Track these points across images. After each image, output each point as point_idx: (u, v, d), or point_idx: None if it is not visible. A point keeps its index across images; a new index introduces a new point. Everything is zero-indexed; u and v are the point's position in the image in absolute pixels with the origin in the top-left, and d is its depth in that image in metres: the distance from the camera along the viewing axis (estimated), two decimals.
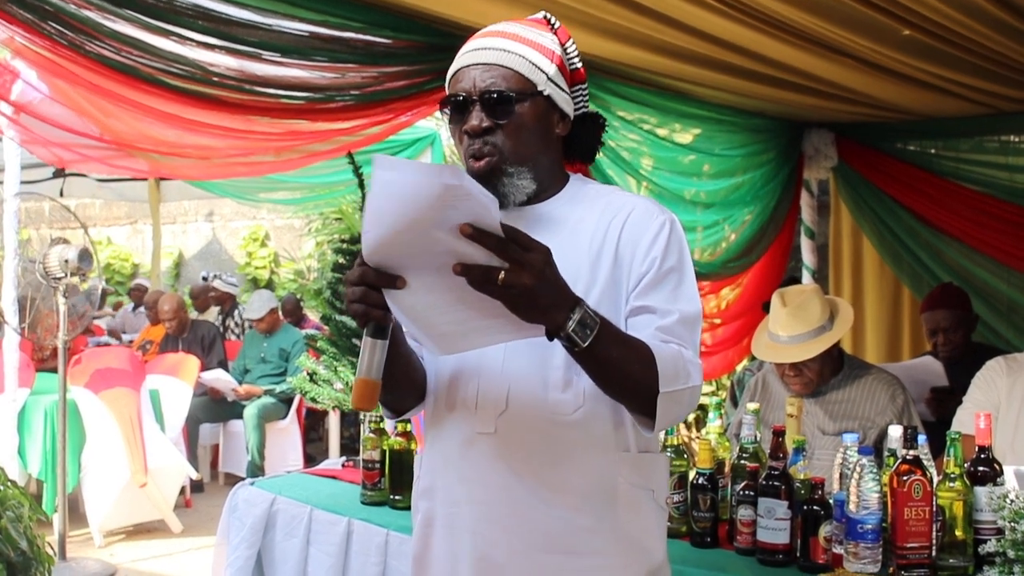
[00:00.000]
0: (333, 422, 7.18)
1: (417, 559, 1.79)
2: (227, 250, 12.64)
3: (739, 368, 5.46)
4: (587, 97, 1.80)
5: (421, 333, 1.56)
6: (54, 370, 5.21)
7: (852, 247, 6.04)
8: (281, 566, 2.90)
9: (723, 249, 5.65)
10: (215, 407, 7.09)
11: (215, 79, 3.35)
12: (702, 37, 3.67)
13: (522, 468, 1.65)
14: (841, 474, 2.38)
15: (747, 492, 2.40)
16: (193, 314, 8.51)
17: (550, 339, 1.47)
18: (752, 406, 2.73)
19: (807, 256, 6.12)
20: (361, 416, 3.25)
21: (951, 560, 2.16)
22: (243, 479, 3.35)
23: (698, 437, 2.99)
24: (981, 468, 2.20)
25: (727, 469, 2.60)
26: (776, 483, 2.32)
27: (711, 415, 2.87)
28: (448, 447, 1.72)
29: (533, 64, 1.67)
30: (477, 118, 1.65)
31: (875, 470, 2.16)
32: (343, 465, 3.33)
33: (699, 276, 1.73)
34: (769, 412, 3.29)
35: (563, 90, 1.72)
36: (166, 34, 3.18)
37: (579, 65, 1.77)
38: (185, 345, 7.30)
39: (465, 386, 1.69)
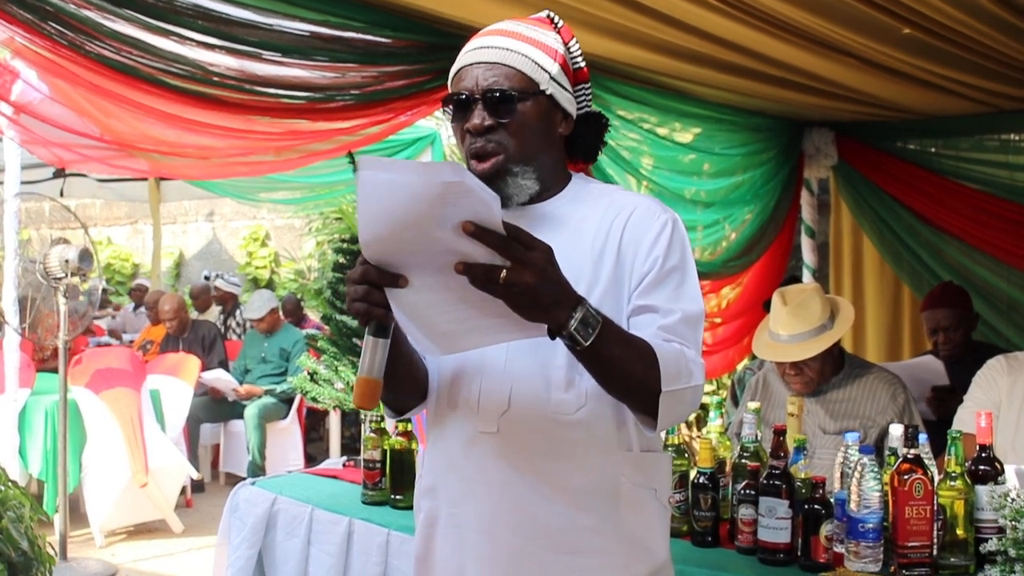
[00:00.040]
0: (334, 422, 7.18)
1: (420, 558, 1.79)
2: (227, 250, 12.64)
3: (740, 367, 5.46)
4: (590, 96, 1.80)
5: (421, 333, 1.56)
6: (55, 370, 5.21)
7: (852, 246, 6.04)
8: (282, 566, 2.90)
9: (723, 248, 5.65)
10: (216, 407, 7.09)
11: (215, 79, 3.35)
12: (702, 36, 3.67)
13: (524, 467, 1.65)
14: (842, 473, 2.38)
15: (748, 491, 2.40)
16: (193, 314, 8.51)
17: (552, 338, 1.47)
18: (753, 405, 2.73)
19: (807, 255, 6.11)
20: (362, 416, 3.25)
21: (952, 559, 2.16)
22: (244, 479, 3.35)
23: (699, 436, 2.99)
24: (982, 467, 2.20)
25: (728, 468, 2.61)
26: (777, 482, 2.32)
27: (712, 414, 2.87)
28: (451, 446, 1.72)
29: (536, 63, 1.67)
30: (479, 117, 1.65)
31: (876, 469, 2.16)
32: (344, 465, 3.33)
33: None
34: (770, 411, 3.29)
35: (566, 89, 1.72)
36: (166, 34, 3.18)
37: (582, 64, 1.77)
38: (186, 345, 7.31)
39: (468, 385, 1.69)
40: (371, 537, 2.73)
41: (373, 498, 2.88)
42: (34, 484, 5.61)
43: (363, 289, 1.46)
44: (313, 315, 8.76)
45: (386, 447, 2.89)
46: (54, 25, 3.01)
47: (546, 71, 1.68)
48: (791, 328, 3.16)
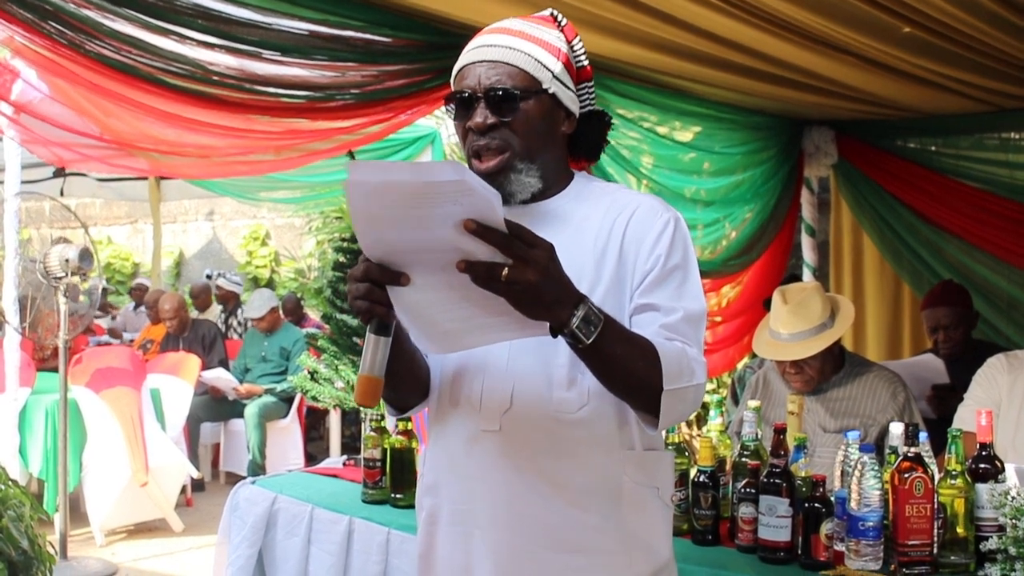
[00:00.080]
0: (334, 421, 7.18)
1: (422, 556, 1.79)
2: (227, 249, 12.64)
3: (740, 366, 5.46)
4: (593, 95, 1.80)
5: (423, 331, 1.56)
6: (55, 369, 5.21)
7: (852, 244, 6.04)
8: (282, 565, 2.90)
9: (723, 247, 5.65)
10: (216, 406, 7.09)
11: (215, 78, 3.35)
12: (702, 35, 3.67)
13: (526, 466, 1.65)
14: (842, 471, 2.39)
15: (748, 490, 2.40)
16: (194, 313, 8.52)
17: (554, 336, 1.47)
18: (753, 404, 2.73)
19: (807, 254, 6.11)
20: (362, 414, 3.25)
21: (952, 557, 2.16)
22: (244, 478, 3.36)
23: (699, 435, 2.99)
24: (982, 465, 2.20)
25: (728, 467, 2.61)
26: (777, 481, 2.32)
27: (712, 413, 2.87)
28: (452, 444, 1.72)
29: (539, 62, 1.67)
30: (481, 115, 1.65)
31: (876, 467, 2.16)
32: (344, 464, 3.33)
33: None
34: (770, 410, 3.29)
35: (569, 88, 1.72)
36: (166, 33, 3.18)
37: (585, 63, 1.77)
38: (186, 344, 7.31)
39: (470, 383, 1.69)
40: (371, 536, 2.73)
41: (373, 497, 2.88)
42: (34, 483, 5.61)
43: (365, 287, 1.46)
44: (313, 314, 8.76)
45: (386, 446, 2.89)
46: (54, 24, 3.01)
47: (549, 70, 1.68)
48: (791, 327, 3.16)
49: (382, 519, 2.74)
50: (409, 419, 2.76)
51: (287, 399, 7.03)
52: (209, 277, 9.23)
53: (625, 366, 1.53)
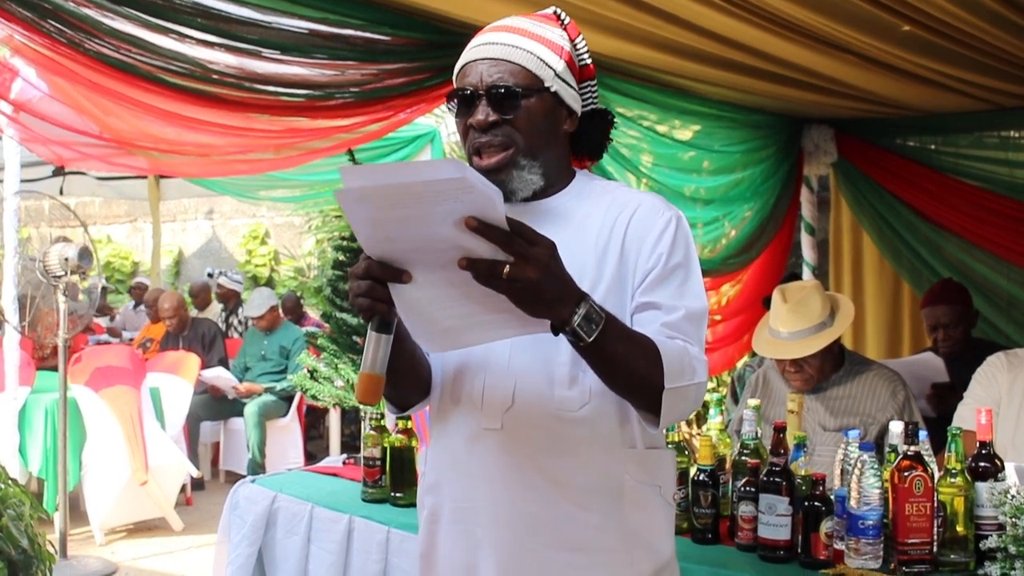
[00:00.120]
0: (334, 419, 7.18)
1: (424, 555, 1.79)
2: (227, 248, 12.64)
3: (740, 364, 5.46)
4: (596, 94, 1.80)
5: (424, 329, 1.56)
6: (54, 368, 5.21)
7: (852, 243, 6.04)
8: (282, 564, 2.91)
9: (723, 245, 5.65)
10: (216, 405, 7.09)
11: (214, 77, 3.35)
12: (702, 33, 3.67)
13: (528, 464, 1.65)
14: (842, 470, 2.39)
15: (748, 488, 2.40)
16: (193, 312, 8.52)
17: (555, 334, 1.47)
18: (753, 402, 2.73)
19: (807, 252, 6.11)
20: (362, 413, 3.25)
21: (952, 556, 2.16)
22: (244, 477, 3.36)
23: (699, 433, 2.99)
24: (982, 464, 2.20)
25: (728, 465, 2.61)
26: (777, 479, 2.32)
27: (712, 411, 2.87)
28: (454, 442, 1.72)
29: (541, 60, 1.67)
30: (483, 112, 1.65)
31: (876, 466, 2.16)
32: (344, 462, 3.33)
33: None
34: (770, 408, 3.29)
35: (571, 86, 1.72)
36: (165, 32, 3.18)
37: (588, 61, 1.77)
38: (185, 343, 7.30)
39: (471, 382, 1.68)
40: (371, 535, 2.73)
41: (373, 495, 2.88)
42: (34, 482, 5.60)
43: (366, 284, 1.46)
44: (313, 313, 8.76)
45: (386, 444, 2.89)
46: (53, 23, 3.00)
47: (551, 68, 1.68)
48: (791, 325, 3.16)
49: (382, 518, 2.75)
50: (409, 418, 2.76)
51: (287, 398, 7.03)
52: (210, 275, 9.24)
53: (626, 364, 1.53)
